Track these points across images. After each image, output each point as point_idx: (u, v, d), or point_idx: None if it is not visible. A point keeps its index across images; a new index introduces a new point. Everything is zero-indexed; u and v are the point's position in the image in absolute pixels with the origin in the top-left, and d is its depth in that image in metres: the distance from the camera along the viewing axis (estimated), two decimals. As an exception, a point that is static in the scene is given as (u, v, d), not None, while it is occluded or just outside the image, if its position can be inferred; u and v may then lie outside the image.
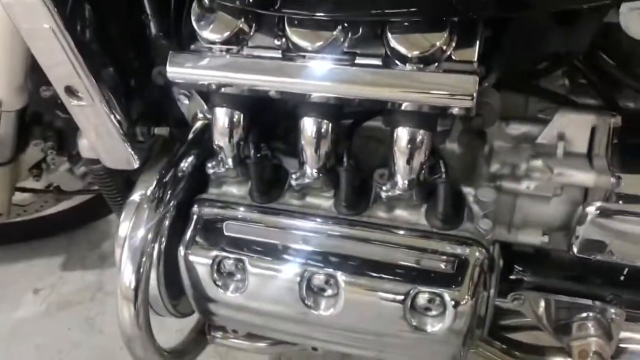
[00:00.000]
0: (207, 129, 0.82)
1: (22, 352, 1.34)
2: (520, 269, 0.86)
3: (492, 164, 0.81)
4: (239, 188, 0.81)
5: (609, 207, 0.76)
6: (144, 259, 0.74)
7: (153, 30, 0.78)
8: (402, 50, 0.65)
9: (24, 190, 1.33)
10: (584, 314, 0.85)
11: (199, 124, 0.85)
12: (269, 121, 0.82)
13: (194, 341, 0.91)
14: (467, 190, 0.78)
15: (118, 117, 0.81)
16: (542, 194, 0.78)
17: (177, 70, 0.73)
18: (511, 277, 0.86)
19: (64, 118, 1.06)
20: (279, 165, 0.82)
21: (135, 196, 0.82)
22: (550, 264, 0.89)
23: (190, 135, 0.84)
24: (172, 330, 1.27)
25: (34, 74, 0.95)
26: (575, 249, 0.80)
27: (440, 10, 0.63)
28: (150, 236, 0.75)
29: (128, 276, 0.74)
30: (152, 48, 0.81)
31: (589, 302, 0.84)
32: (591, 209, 0.76)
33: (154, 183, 0.78)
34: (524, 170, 0.79)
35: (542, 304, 0.86)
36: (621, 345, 0.88)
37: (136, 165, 0.85)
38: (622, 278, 0.87)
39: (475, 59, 0.65)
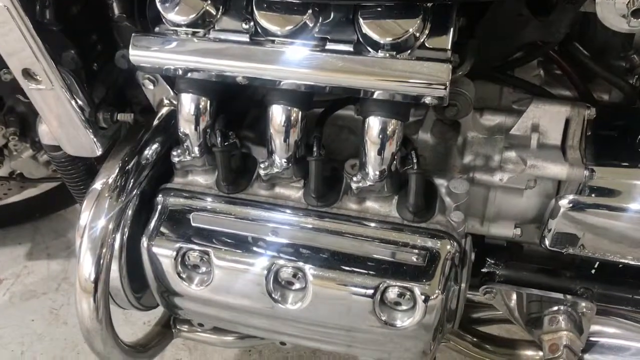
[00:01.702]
0: (173, 115, 0.80)
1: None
2: (493, 262, 0.85)
3: (465, 155, 0.79)
4: (205, 177, 0.79)
5: (581, 200, 0.75)
6: (104, 250, 0.71)
7: (116, 11, 0.74)
8: (374, 36, 0.63)
9: (-17, 177, 1.29)
10: (555, 308, 0.85)
11: (164, 110, 0.82)
12: (237, 108, 0.80)
13: (159, 334, 0.88)
14: (440, 182, 0.76)
15: (79, 102, 0.77)
16: (516, 186, 0.77)
17: (141, 54, 0.70)
18: (483, 270, 0.85)
19: (26, 102, 1.02)
20: (247, 154, 0.80)
21: (97, 184, 0.78)
22: (523, 258, 0.88)
23: (155, 122, 0.81)
24: (139, 322, 1.25)
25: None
26: (547, 242, 0.79)
27: None
28: (111, 226, 0.72)
29: (87, 268, 0.71)
30: (114, 30, 0.77)
31: (560, 295, 0.83)
32: (564, 202, 0.75)
33: (116, 171, 0.75)
34: (498, 162, 0.78)
35: (514, 297, 0.85)
36: (592, 338, 0.88)
37: (99, 152, 0.81)
38: (593, 272, 0.87)
39: (449, 47, 0.63)
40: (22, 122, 1.12)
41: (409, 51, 0.64)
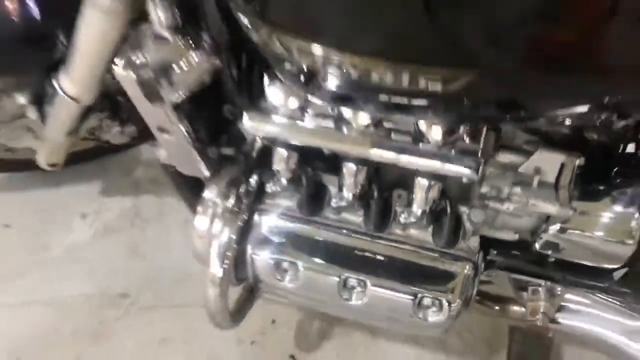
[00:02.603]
0: (267, 150, 1.05)
1: (75, 274, 1.60)
2: (495, 252, 1.15)
3: (483, 186, 1.06)
4: (290, 201, 1.06)
5: (565, 227, 1.04)
6: (228, 254, 1.01)
7: (227, 84, 0.97)
8: (427, 133, 0.88)
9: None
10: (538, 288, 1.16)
11: (260, 144, 1.07)
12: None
13: (246, 299, 1.19)
14: (462, 209, 1.04)
15: (196, 143, 1.03)
16: (518, 214, 1.05)
17: (252, 125, 0.95)
18: (488, 257, 1.15)
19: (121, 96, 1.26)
20: (319, 183, 1.07)
21: (209, 196, 1.06)
22: (518, 251, 1.18)
23: (254, 155, 1.06)
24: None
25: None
26: (537, 246, 1.09)
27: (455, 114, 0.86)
28: (232, 237, 1.01)
29: (216, 269, 1.01)
30: (223, 92, 1.01)
31: (541, 282, 1.14)
32: (553, 227, 1.04)
33: (234, 195, 1.02)
34: (506, 194, 1.04)
35: (507, 280, 1.17)
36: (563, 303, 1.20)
37: (207, 174, 1.08)
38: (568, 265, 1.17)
39: (481, 147, 0.89)
40: (114, 108, 1.36)
41: (452, 145, 0.89)
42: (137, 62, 0.88)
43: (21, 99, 1.29)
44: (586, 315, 1.17)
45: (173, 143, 1.02)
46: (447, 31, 0.68)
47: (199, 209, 1.07)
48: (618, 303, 1.13)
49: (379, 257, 1.02)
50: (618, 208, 1.03)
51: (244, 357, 1.45)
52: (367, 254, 1.02)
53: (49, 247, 1.65)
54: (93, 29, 0.99)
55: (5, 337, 1.47)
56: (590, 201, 1.03)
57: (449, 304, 0.99)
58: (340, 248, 1.03)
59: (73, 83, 1.11)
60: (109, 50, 1.00)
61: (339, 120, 0.92)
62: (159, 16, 0.83)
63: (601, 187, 1.05)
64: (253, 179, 1.05)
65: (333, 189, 1.05)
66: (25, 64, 1.22)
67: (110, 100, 1.35)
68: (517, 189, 1.03)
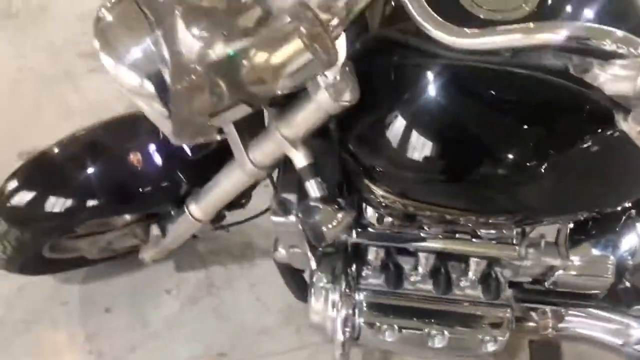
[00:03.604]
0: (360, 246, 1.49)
1: (177, 343, 1.97)
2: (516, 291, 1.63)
3: (509, 250, 1.54)
4: (378, 280, 1.50)
5: (565, 269, 1.53)
6: (347, 327, 1.45)
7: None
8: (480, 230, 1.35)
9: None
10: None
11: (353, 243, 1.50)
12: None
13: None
14: (497, 269, 1.51)
15: (316, 252, 1.45)
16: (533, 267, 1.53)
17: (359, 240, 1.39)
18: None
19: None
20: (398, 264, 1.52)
21: (319, 283, 1.49)
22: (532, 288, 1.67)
23: (349, 250, 1.50)
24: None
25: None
26: (546, 284, 1.57)
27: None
28: (349, 312, 1.44)
29: (340, 336, 1.44)
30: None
31: (547, 307, 1.63)
32: (557, 272, 1.53)
33: (343, 284, 1.46)
34: (523, 254, 1.52)
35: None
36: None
37: (314, 267, 1.51)
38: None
39: (519, 237, 1.36)
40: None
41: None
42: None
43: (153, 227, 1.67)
44: (582, 324, 1.66)
45: (298, 253, 1.45)
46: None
47: (314, 293, 1.50)
48: (603, 314, 1.63)
49: (449, 312, 1.48)
50: (597, 252, 1.53)
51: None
52: (440, 310, 1.48)
53: (148, 323, 2.02)
54: (232, 180, 1.40)
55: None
56: (579, 249, 1.53)
57: (502, 338, 1.46)
58: (422, 309, 1.48)
59: (201, 210, 1.51)
60: (239, 189, 1.41)
61: (419, 228, 1.38)
62: (312, 191, 1.23)
63: (584, 239, 1.54)
64: (352, 267, 1.49)
65: (407, 267, 1.50)
66: (155, 202, 1.59)
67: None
68: (531, 250, 1.51)
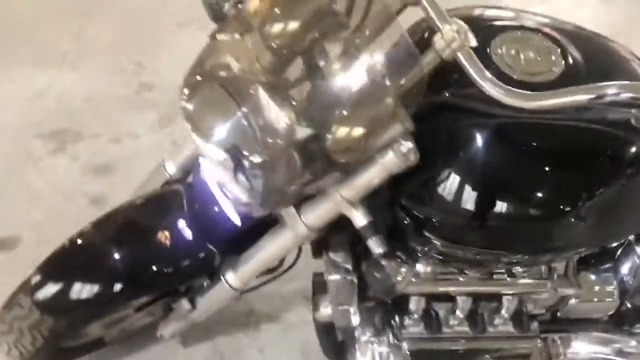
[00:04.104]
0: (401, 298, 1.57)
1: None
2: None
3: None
4: (417, 327, 1.59)
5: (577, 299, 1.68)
6: None
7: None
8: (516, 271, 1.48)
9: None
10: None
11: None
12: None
13: None
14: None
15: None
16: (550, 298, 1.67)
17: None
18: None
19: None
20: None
21: (364, 338, 1.55)
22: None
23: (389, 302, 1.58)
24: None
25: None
26: (559, 314, 1.72)
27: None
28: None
29: None
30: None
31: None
32: (570, 301, 1.68)
33: (390, 336, 1.53)
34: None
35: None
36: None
37: (356, 323, 1.57)
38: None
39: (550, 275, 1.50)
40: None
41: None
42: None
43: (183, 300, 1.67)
44: (590, 348, 1.81)
45: (342, 310, 1.51)
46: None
47: (360, 347, 1.56)
48: (609, 336, 1.80)
49: (487, 349, 1.59)
50: (599, 278, 1.70)
51: None
52: (479, 349, 1.58)
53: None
54: (279, 245, 1.45)
55: None
56: (583, 277, 1.68)
57: (533, 363, 1.59)
58: (462, 350, 1.58)
59: (239, 278, 1.54)
60: (285, 254, 1.47)
61: (460, 272, 1.49)
62: (375, 248, 1.31)
63: (586, 267, 1.71)
64: (395, 318, 1.57)
65: (443, 312, 1.60)
66: (189, 277, 1.60)
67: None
68: (547, 283, 1.66)
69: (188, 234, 1.53)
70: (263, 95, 1.10)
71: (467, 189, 1.21)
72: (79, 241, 1.51)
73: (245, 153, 1.11)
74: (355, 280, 1.44)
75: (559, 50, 1.25)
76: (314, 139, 1.11)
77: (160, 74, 3.22)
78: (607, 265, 1.69)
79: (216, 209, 1.47)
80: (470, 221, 1.22)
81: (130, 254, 1.50)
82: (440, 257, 1.38)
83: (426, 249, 1.34)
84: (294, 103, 1.11)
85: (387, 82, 1.05)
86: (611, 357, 1.79)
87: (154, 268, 1.52)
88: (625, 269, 1.69)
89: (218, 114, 1.11)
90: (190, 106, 1.13)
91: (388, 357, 1.53)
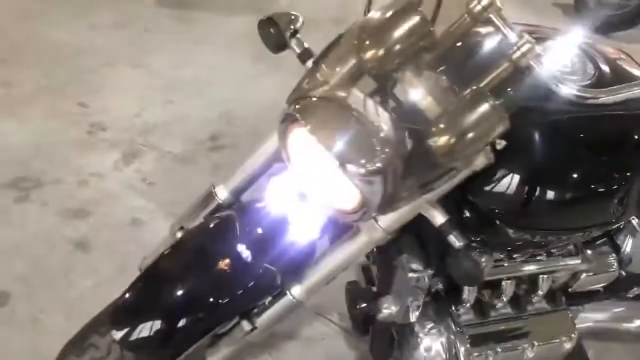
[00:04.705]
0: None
1: None
2: None
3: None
4: (469, 315, 1.72)
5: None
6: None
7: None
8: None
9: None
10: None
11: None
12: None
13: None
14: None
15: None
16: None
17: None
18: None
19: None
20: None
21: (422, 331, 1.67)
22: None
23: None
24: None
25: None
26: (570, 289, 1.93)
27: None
28: (467, 346, 1.63)
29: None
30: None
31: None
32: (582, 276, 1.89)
33: (452, 325, 1.65)
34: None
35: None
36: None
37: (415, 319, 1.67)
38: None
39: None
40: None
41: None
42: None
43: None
44: (597, 318, 2.04)
45: (403, 308, 1.61)
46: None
47: (422, 341, 1.66)
48: (611, 303, 2.03)
49: (530, 326, 1.75)
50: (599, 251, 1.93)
51: None
52: (524, 327, 1.75)
53: None
54: (353, 251, 1.52)
55: None
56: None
57: (574, 335, 1.77)
58: (510, 330, 1.73)
59: (306, 291, 1.58)
60: (356, 260, 1.55)
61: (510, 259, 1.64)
62: (456, 242, 1.41)
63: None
64: (452, 308, 1.69)
65: (488, 297, 1.75)
66: (255, 298, 1.62)
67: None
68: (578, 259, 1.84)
69: (247, 258, 1.55)
70: (371, 104, 1.20)
71: (538, 179, 1.37)
72: (150, 279, 1.50)
73: (363, 161, 1.20)
74: (427, 279, 1.54)
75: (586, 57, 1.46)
76: (421, 145, 1.21)
77: (108, 113, 3.16)
78: (605, 239, 1.91)
79: (273, 229, 1.52)
80: (541, 207, 1.38)
81: (196, 287, 1.51)
82: (508, 245, 1.53)
83: (496, 237, 1.48)
84: (394, 113, 1.22)
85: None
86: (621, 325, 2.04)
87: (221, 298, 1.52)
88: (620, 240, 1.92)
89: (346, 131, 1.20)
90: (309, 122, 1.20)
91: (454, 343, 1.64)
